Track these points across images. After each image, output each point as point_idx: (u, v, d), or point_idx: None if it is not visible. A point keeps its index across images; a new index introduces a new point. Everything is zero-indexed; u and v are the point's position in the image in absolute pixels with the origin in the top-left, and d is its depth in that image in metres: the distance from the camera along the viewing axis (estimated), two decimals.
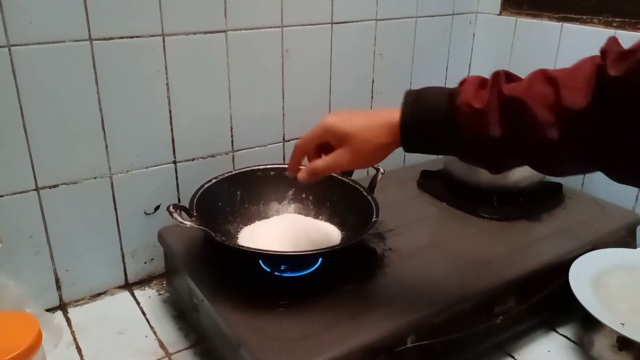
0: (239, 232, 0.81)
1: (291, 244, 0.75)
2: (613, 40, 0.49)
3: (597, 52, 0.49)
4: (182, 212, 0.69)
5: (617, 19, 0.96)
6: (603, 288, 0.74)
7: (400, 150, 0.59)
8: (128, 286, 0.91)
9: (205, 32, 0.85)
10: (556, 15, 1.06)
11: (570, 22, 1.03)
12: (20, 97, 0.73)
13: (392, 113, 0.58)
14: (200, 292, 0.70)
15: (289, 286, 0.72)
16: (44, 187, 0.78)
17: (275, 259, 0.72)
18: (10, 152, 0.74)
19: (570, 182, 1.02)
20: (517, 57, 1.14)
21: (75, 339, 0.78)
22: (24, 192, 0.77)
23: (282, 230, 0.81)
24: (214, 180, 0.81)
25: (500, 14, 1.16)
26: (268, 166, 0.87)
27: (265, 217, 0.85)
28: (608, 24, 0.97)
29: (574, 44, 1.02)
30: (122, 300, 0.88)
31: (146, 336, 0.79)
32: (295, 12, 0.93)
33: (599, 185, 1.02)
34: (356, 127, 0.60)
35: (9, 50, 0.70)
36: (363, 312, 0.65)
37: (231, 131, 0.93)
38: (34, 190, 0.78)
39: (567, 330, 0.80)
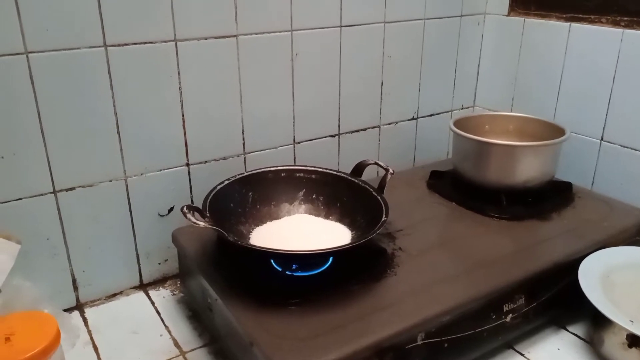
0: (251, 232, 0.82)
1: (302, 244, 0.76)
2: None
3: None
4: (196, 213, 0.70)
5: (625, 18, 0.96)
6: (612, 286, 0.75)
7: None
8: (143, 287, 0.92)
9: (217, 37, 0.86)
10: (564, 15, 1.06)
11: (578, 22, 1.03)
12: (37, 102, 0.75)
13: None
14: (214, 291, 0.71)
15: (300, 285, 0.73)
16: (61, 190, 0.80)
17: (287, 258, 0.73)
18: (29, 155, 0.76)
19: (579, 181, 1.03)
20: (526, 57, 1.14)
21: (92, 339, 0.80)
22: (41, 194, 0.79)
23: (293, 231, 0.82)
24: (226, 182, 0.82)
25: (508, 15, 1.17)
26: (279, 168, 0.88)
27: (277, 217, 0.86)
28: (616, 24, 0.97)
29: (582, 43, 1.02)
30: (137, 301, 0.89)
31: (161, 335, 0.81)
32: (305, 16, 0.94)
33: (608, 184, 1.02)
34: None
35: (27, 57, 0.72)
36: (373, 311, 0.66)
37: (242, 134, 0.94)
38: (51, 193, 0.79)
39: (577, 328, 0.80)
